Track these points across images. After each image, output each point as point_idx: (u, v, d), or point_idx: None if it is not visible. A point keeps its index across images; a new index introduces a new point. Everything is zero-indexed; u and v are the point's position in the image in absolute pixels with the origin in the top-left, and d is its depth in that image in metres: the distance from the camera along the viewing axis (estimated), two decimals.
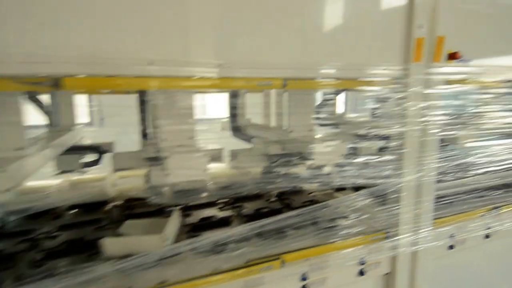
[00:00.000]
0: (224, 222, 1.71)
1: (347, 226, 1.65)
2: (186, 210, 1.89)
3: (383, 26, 1.42)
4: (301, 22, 1.26)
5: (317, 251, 1.47)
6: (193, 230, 1.62)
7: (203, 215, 1.78)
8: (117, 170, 1.79)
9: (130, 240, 1.35)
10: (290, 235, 1.51)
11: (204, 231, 1.59)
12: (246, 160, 1.79)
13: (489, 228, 1.95)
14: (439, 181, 2.03)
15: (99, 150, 1.95)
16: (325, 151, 1.45)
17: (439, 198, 1.90)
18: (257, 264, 1.35)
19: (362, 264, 1.57)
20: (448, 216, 1.82)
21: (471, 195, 2.07)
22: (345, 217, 1.65)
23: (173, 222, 1.54)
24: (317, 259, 1.47)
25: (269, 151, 1.73)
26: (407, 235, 1.63)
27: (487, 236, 1.95)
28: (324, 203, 1.64)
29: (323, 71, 1.33)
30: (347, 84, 1.44)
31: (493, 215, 1.96)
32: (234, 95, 2.01)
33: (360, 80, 1.44)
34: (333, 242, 1.51)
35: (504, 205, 2.00)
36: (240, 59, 1.17)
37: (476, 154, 1.95)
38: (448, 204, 1.94)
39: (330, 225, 1.61)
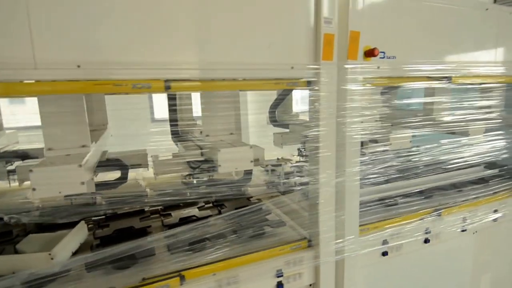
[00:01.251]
0: (140, 233, 1.61)
1: (261, 236, 1.56)
2: (110, 220, 1.80)
3: (288, 22, 1.31)
4: (190, 18, 1.16)
5: (225, 265, 1.37)
6: (105, 242, 1.52)
7: (120, 226, 1.69)
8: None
9: (11, 259, 1.25)
10: (197, 248, 1.42)
11: (117, 243, 1.49)
12: (168, 166, 1.69)
13: (428, 232, 1.87)
14: (373, 184, 1.97)
15: (24, 156, 1.85)
16: (231, 157, 1.34)
17: (369, 203, 1.82)
18: (150, 283, 1.24)
19: (280, 276, 1.47)
20: (380, 221, 1.74)
21: (407, 199, 2.00)
22: (258, 226, 1.57)
23: (74, 236, 1.43)
24: (225, 274, 1.37)
25: (189, 157, 1.63)
26: (330, 243, 1.54)
27: (426, 241, 1.87)
28: (234, 211, 1.56)
29: (219, 71, 1.23)
30: (250, 85, 1.34)
31: (433, 218, 1.87)
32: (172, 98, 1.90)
33: (264, 80, 1.34)
34: (245, 254, 1.41)
35: (445, 208, 1.91)
36: (106, 59, 1.06)
37: (411, 155, 1.88)
38: (381, 208, 1.87)
39: (243, 235, 1.52)
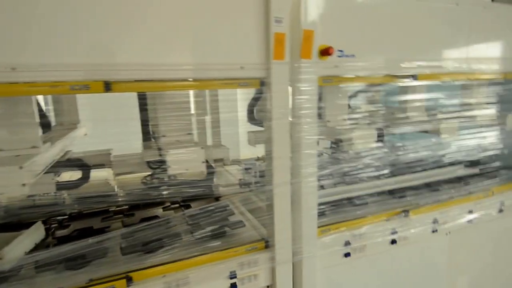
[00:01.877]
0: (99, 233, 1.61)
1: (220, 236, 1.55)
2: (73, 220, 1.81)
3: (237, 21, 1.29)
4: (131, 17, 1.14)
5: (176, 266, 1.37)
6: (62, 242, 1.52)
7: (80, 226, 1.70)
8: None
9: None
10: (150, 249, 1.41)
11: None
12: (128, 166, 1.69)
13: (395, 233, 1.84)
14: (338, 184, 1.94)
15: None
16: (180, 158, 1.33)
17: (329, 203, 1.80)
18: (96, 285, 1.24)
19: (233, 278, 1.46)
20: (342, 221, 1.71)
21: (378, 198, 1.97)
22: (217, 226, 1.56)
23: (28, 236, 1.44)
24: (176, 276, 1.36)
25: (148, 157, 1.63)
26: (286, 244, 1.53)
27: (393, 242, 1.84)
28: (191, 210, 1.55)
29: (164, 71, 1.21)
30: (200, 85, 1.32)
31: (400, 219, 1.84)
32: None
33: (215, 80, 1.31)
34: (197, 255, 1.41)
35: (414, 208, 1.88)
36: (42, 61, 1.05)
37: (375, 155, 1.84)
38: (349, 208, 1.85)
39: (199, 235, 1.52)
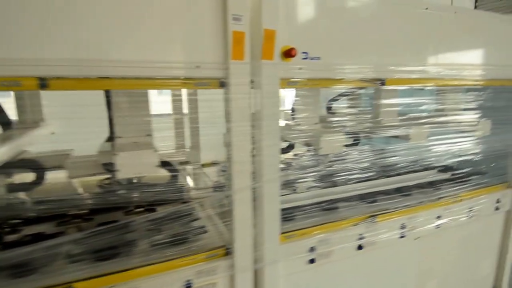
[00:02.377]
0: (50, 238, 1.52)
1: (180, 242, 1.49)
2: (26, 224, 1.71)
3: (192, 17, 1.22)
4: (74, 9, 1.06)
5: (126, 276, 1.29)
6: (9, 248, 1.43)
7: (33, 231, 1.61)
8: None
9: None
10: (101, 256, 1.34)
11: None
12: (84, 168, 1.60)
13: (362, 239, 1.81)
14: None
15: None
16: (131, 161, 1.26)
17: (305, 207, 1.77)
18: None
19: (189, 287, 1.40)
20: (308, 227, 1.67)
21: (348, 203, 1.95)
22: (178, 231, 1.49)
23: None
24: (125, 286, 1.29)
25: (104, 159, 1.54)
26: (247, 251, 1.47)
27: (360, 247, 1.81)
28: (148, 215, 1.48)
29: (106, 68, 1.13)
30: (152, 84, 1.25)
31: (367, 224, 1.82)
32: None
33: (169, 80, 1.25)
34: (150, 264, 1.34)
35: (381, 213, 1.86)
36: None
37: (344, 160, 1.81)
38: (318, 213, 1.81)
39: (157, 242, 1.45)
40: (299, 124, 1.89)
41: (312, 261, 1.68)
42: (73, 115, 1.86)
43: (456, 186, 2.25)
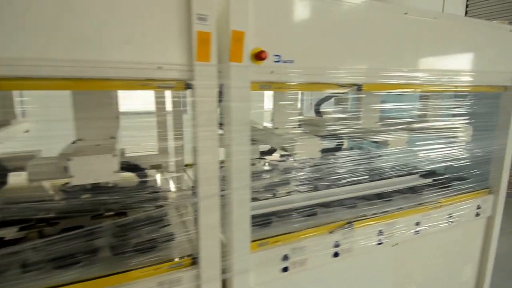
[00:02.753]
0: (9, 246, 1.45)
1: (146, 251, 1.43)
2: None
3: (153, 15, 1.15)
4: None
5: (82, 287, 1.23)
6: None
7: None
8: None
9: None
10: (58, 265, 1.27)
11: None
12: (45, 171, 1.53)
13: (338, 246, 1.77)
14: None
15: None
16: (87, 167, 1.19)
17: (273, 214, 1.72)
18: None
19: None
20: (281, 234, 1.62)
21: (326, 209, 1.90)
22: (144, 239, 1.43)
23: None
24: None
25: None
26: (214, 261, 1.42)
27: (336, 254, 1.77)
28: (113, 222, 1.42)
29: (72, 68, 1.07)
30: (110, 85, 1.19)
31: (343, 231, 1.77)
32: None
33: (129, 81, 1.18)
34: (107, 275, 1.27)
35: (358, 220, 1.82)
36: None
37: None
38: (296, 220, 1.77)
39: (116, 251, 1.39)
40: (277, 128, 1.84)
41: (285, 269, 1.63)
42: (47, 116, 1.80)
43: (437, 192, 2.23)
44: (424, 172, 2.55)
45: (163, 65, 1.20)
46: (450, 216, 2.18)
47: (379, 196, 2.14)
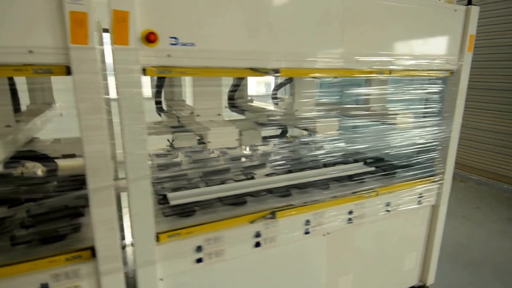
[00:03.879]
0: None
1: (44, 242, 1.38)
2: None
3: None
4: None
5: None
6: None
7: None
8: None
9: None
10: None
11: None
12: None
13: (259, 236, 1.73)
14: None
15: None
16: None
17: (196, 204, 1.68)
18: None
19: None
20: (196, 225, 1.58)
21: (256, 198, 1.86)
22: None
23: None
24: None
25: None
26: (113, 252, 1.37)
27: (257, 245, 1.74)
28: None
29: None
30: None
31: (267, 221, 1.74)
32: None
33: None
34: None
35: (281, 210, 1.77)
36: None
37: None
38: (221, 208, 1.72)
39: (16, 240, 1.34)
40: (198, 115, 1.76)
41: (199, 260, 1.60)
42: None
43: (377, 180, 2.19)
44: (371, 160, 2.51)
45: (34, 48, 1.11)
46: (388, 205, 2.15)
47: (313, 185, 2.10)
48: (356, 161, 2.47)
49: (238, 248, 1.69)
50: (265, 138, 2.44)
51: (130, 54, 1.23)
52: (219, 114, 1.82)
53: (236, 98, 2.71)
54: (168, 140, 2.38)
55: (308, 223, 1.87)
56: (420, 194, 2.29)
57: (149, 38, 1.23)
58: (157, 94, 2.28)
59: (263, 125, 2.33)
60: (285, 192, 1.97)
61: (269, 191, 1.96)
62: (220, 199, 1.84)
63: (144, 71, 1.30)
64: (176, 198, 1.74)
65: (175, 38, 1.31)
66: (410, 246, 2.44)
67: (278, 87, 2.98)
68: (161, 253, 1.50)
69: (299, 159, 2.51)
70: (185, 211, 1.71)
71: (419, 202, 2.31)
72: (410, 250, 2.45)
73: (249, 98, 2.85)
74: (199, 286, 1.67)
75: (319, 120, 1.86)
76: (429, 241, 2.50)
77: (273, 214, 1.74)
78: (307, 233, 1.88)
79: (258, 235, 1.73)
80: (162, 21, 1.27)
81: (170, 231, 1.53)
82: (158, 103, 2.34)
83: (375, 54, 1.80)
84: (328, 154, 2.07)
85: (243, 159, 2.57)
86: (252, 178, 2.14)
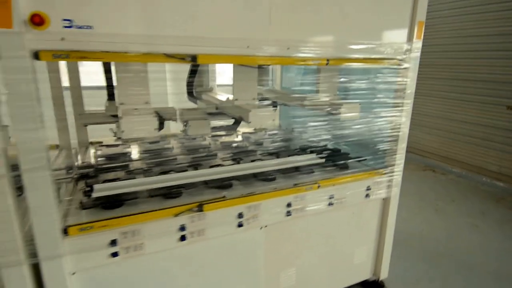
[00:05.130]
0: None
1: None
2: None
3: None
4: None
5: None
6: None
7: None
8: None
9: None
10: None
11: None
12: None
13: (184, 230, 1.68)
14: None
15: None
16: None
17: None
18: None
19: None
20: (113, 218, 1.52)
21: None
22: None
23: None
24: None
25: None
26: (12, 246, 1.32)
27: (183, 238, 1.69)
28: None
29: None
30: None
31: (193, 214, 1.68)
32: None
33: None
34: None
35: (210, 203, 1.72)
36: None
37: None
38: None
39: None
40: (122, 103, 1.69)
41: (115, 254, 1.55)
42: None
43: (325, 172, 2.14)
44: (328, 151, 2.45)
45: None
46: (332, 198, 2.09)
47: (256, 176, 2.05)
48: (312, 152, 2.42)
49: (160, 241, 1.64)
50: (214, 129, 2.38)
51: (14, 38, 1.16)
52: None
53: (196, 86, 2.65)
54: (112, 129, 2.32)
55: (241, 216, 1.82)
56: (368, 187, 2.23)
57: (34, 20, 1.15)
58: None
59: (212, 115, 2.27)
60: (223, 184, 1.91)
61: (205, 183, 1.92)
62: (154, 191, 1.79)
63: (37, 56, 1.22)
64: (102, 190, 1.69)
65: (69, 20, 1.23)
66: (360, 239, 2.40)
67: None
68: (70, 246, 1.45)
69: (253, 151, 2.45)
70: (110, 203, 1.66)
71: (367, 196, 2.25)
72: (360, 244, 2.41)
73: (209, 87, 2.78)
74: (120, 279, 1.63)
75: (253, 110, 1.79)
76: (381, 235, 2.45)
77: (200, 207, 1.69)
78: (240, 225, 1.82)
79: (183, 228, 1.67)
80: (52, 1, 1.19)
81: (81, 224, 1.48)
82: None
83: (309, 41, 1.72)
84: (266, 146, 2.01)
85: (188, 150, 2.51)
86: (197, 169, 2.09)
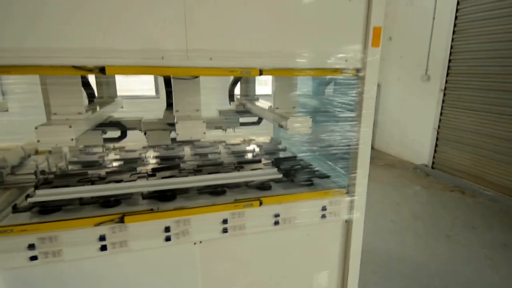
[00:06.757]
0: None
1: None
2: None
3: None
4: None
5: None
6: None
7: None
8: None
9: None
10: None
11: None
12: None
13: (104, 240, 1.68)
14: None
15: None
16: None
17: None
18: None
19: None
20: (28, 224, 1.58)
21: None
22: None
23: None
24: None
25: None
26: None
27: (103, 248, 1.69)
28: None
29: None
30: None
31: (115, 225, 1.68)
32: None
33: None
34: None
35: (134, 214, 1.70)
36: None
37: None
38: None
39: None
40: (56, 113, 1.77)
41: (34, 258, 1.60)
42: None
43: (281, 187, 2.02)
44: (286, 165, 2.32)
45: None
46: (277, 217, 1.95)
47: (200, 189, 2.00)
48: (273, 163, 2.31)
49: (80, 249, 1.66)
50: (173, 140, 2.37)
51: None
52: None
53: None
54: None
55: (169, 230, 1.77)
56: (324, 207, 2.04)
57: None
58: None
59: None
60: (165, 195, 1.90)
61: (142, 194, 1.92)
62: (94, 199, 1.83)
63: None
64: (42, 195, 1.77)
65: None
66: (319, 264, 2.19)
67: (231, 86, 2.91)
68: None
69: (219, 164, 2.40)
70: (45, 208, 1.74)
71: (323, 216, 2.06)
72: (320, 269, 2.20)
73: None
74: (43, 282, 1.68)
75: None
76: (345, 260, 2.22)
77: (121, 219, 1.68)
78: (168, 239, 1.78)
79: (103, 238, 1.68)
80: None
81: (2, 226, 1.55)
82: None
83: (237, 50, 1.64)
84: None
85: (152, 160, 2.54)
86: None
